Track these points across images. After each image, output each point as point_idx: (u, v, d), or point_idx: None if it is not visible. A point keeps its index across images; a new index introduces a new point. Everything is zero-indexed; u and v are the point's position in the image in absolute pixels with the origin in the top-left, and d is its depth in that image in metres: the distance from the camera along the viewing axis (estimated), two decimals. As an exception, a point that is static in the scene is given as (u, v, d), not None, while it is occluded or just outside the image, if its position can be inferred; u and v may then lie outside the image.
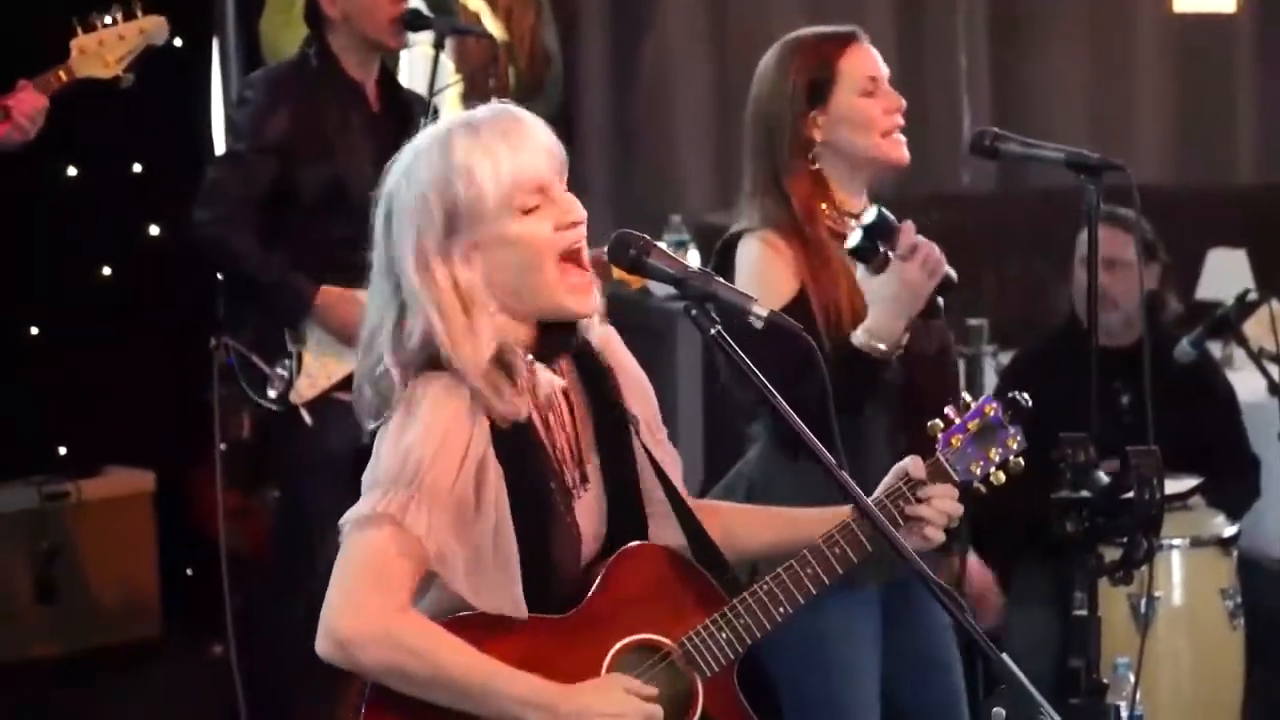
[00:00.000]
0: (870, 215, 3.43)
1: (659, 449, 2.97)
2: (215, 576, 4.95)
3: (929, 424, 3.06)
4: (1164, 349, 5.07)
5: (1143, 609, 4.66)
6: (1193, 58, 8.58)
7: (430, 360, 2.76)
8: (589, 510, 2.88)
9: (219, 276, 4.95)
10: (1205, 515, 5.04)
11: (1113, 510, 3.20)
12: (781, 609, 2.89)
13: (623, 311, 3.03)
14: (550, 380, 2.84)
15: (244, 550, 5.64)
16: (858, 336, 3.45)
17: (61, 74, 4.48)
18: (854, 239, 3.43)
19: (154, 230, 6.62)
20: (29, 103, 4.41)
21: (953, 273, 3.48)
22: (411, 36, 5.07)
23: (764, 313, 2.77)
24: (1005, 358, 5.90)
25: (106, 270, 6.64)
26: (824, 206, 3.64)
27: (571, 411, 2.89)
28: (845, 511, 2.95)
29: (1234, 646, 4.94)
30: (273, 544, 5.12)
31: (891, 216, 3.42)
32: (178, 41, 4.82)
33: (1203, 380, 5.40)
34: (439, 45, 5.07)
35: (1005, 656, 2.58)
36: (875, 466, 3.22)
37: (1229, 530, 5.00)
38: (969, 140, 3.72)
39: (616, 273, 2.95)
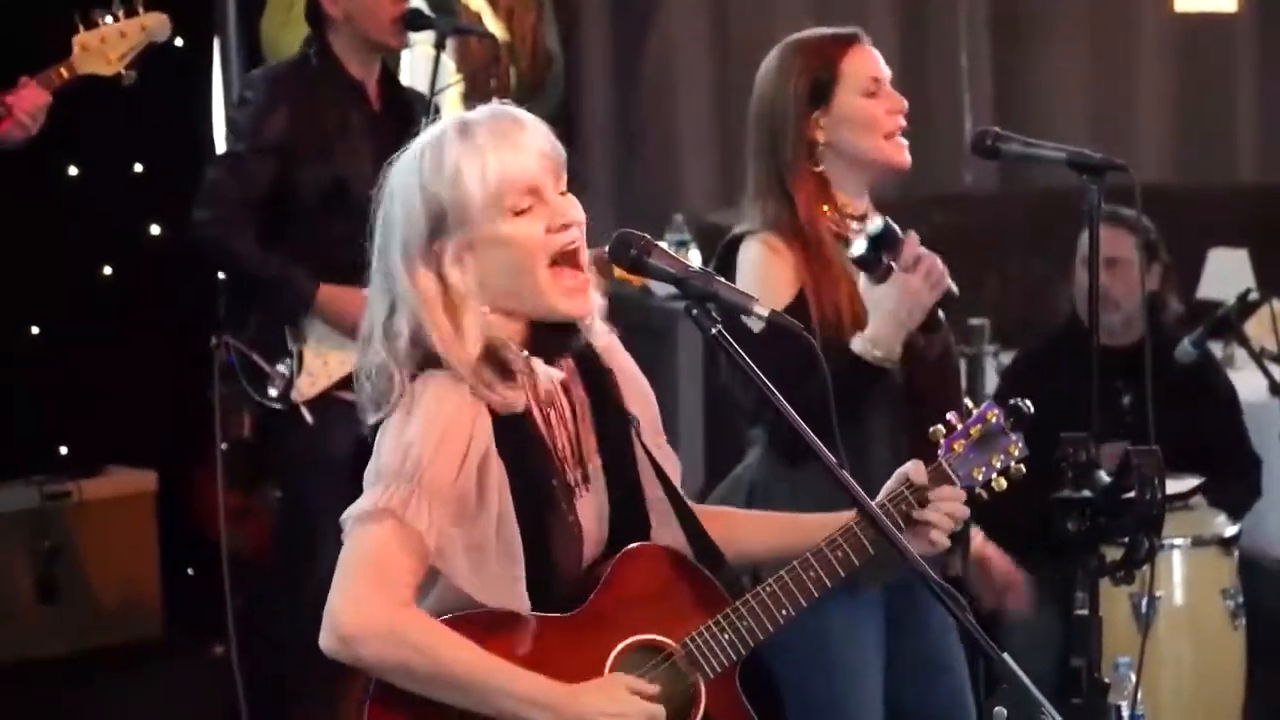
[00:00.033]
0: (876, 225, 3.43)
1: (659, 452, 2.98)
2: (216, 576, 4.95)
3: (931, 429, 3.07)
4: (1165, 349, 5.07)
5: (1144, 609, 4.66)
6: (1194, 57, 8.59)
7: (428, 357, 2.77)
8: (591, 510, 2.88)
9: (220, 276, 4.96)
10: (1206, 515, 5.03)
11: (1114, 510, 3.20)
12: (784, 611, 2.90)
13: (624, 311, 3.03)
14: (549, 374, 2.84)
15: (245, 550, 5.64)
16: (856, 344, 3.45)
17: (63, 71, 4.48)
18: (858, 248, 3.44)
19: (155, 230, 6.62)
20: (30, 99, 4.41)
21: (954, 287, 3.49)
22: (413, 36, 5.07)
23: (765, 312, 2.77)
24: (1006, 357, 5.90)
25: (107, 270, 6.64)
26: (826, 208, 3.64)
27: (573, 411, 2.89)
28: (847, 516, 2.96)
29: (1235, 646, 4.94)
30: (274, 543, 5.12)
31: (896, 227, 3.42)
32: (179, 41, 4.82)
33: (1204, 380, 5.40)
34: (440, 45, 5.07)
35: (1006, 656, 2.58)
36: (876, 469, 3.23)
37: (1230, 530, 5.00)
38: (971, 140, 3.72)
39: (618, 272, 2.95)
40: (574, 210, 2.82)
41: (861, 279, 3.47)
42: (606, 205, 7.32)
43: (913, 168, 3.72)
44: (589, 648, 2.80)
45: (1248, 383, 5.58)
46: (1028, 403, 3.09)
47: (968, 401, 3.12)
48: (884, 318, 3.44)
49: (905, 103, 3.69)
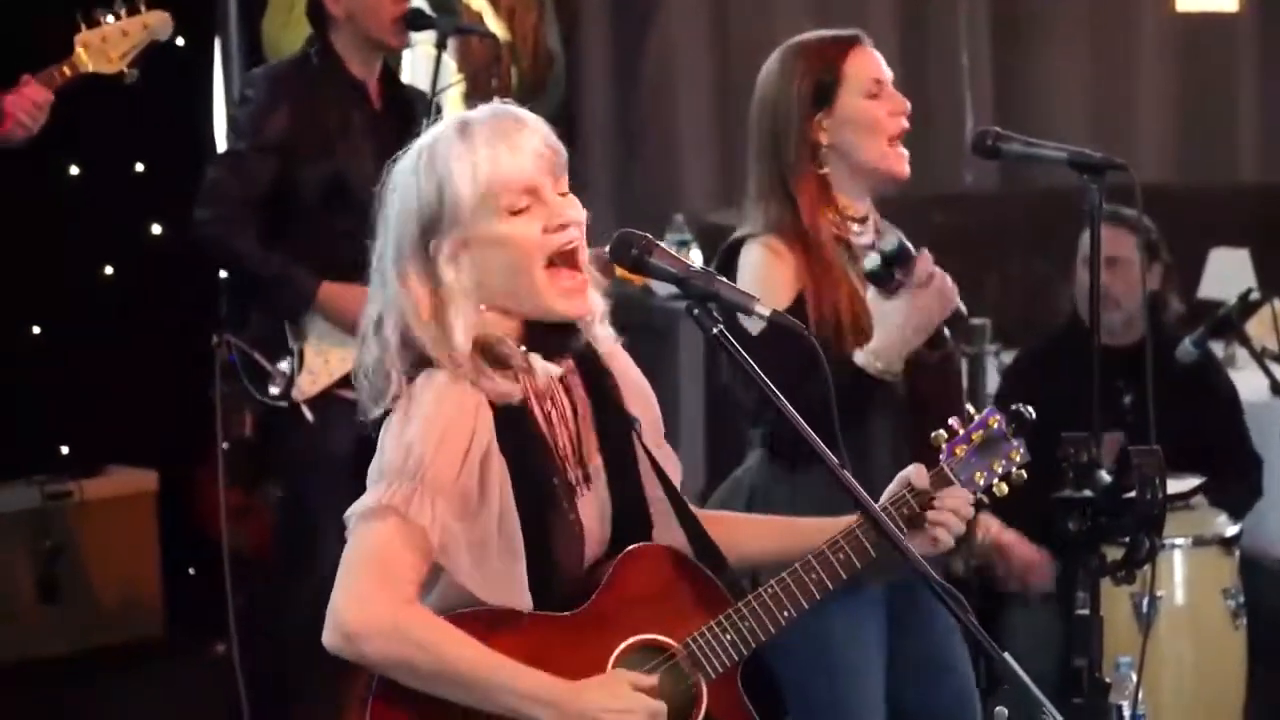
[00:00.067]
0: (891, 243, 3.43)
1: (659, 453, 2.98)
2: (217, 576, 4.95)
3: (933, 434, 3.07)
4: (1166, 348, 5.07)
5: (1145, 608, 4.66)
6: (1195, 57, 8.59)
7: (423, 357, 2.79)
8: (592, 509, 2.88)
9: (221, 275, 4.96)
10: (1207, 515, 5.03)
11: (1115, 509, 3.20)
12: (786, 613, 2.90)
13: (625, 311, 3.03)
14: (548, 370, 2.84)
15: (247, 549, 5.65)
16: (860, 356, 3.46)
17: (65, 69, 4.48)
18: (871, 263, 3.44)
19: (156, 229, 6.62)
20: (29, 98, 4.41)
21: (962, 306, 3.49)
22: (414, 36, 5.07)
23: (766, 312, 2.77)
24: (1007, 357, 5.90)
25: (109, 269, 6.64)
26: (828, 211, 3.64)
27: (574, 411, 2.90)
28: (847, 520, 2.97)
29: (1236, 646, 4.94)
30: (274, 541, 5.12)
31: (910, 245, 3.43)
32: (180, 41, 4.82)
33: (1205, 380, 5.40)
34: (441, 45, 5.07)
35: (1008, 656, 2.58)
36: (878, 472, 3.23)
37: (1231, 530, 4.99)
38: (971, 140, 3.72)
39: (619, 271, 2.95)
40: (572, 210, 2.82)
41: (871, 291, 3.48)
42: (607, 205, 7.32)
43: (913, 167, 3.72)
44: (591, 647, 2.81)
45: (1249, 382, 5.58)
46: (1029, 409, 3.10)
47: (969, 407, 3.13)
48: (890, 332, 3.45)
49: (908, 104, 3.69)
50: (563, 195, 2.83)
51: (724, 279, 2.83)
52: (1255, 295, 5.41)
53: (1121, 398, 5.15)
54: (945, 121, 7.99)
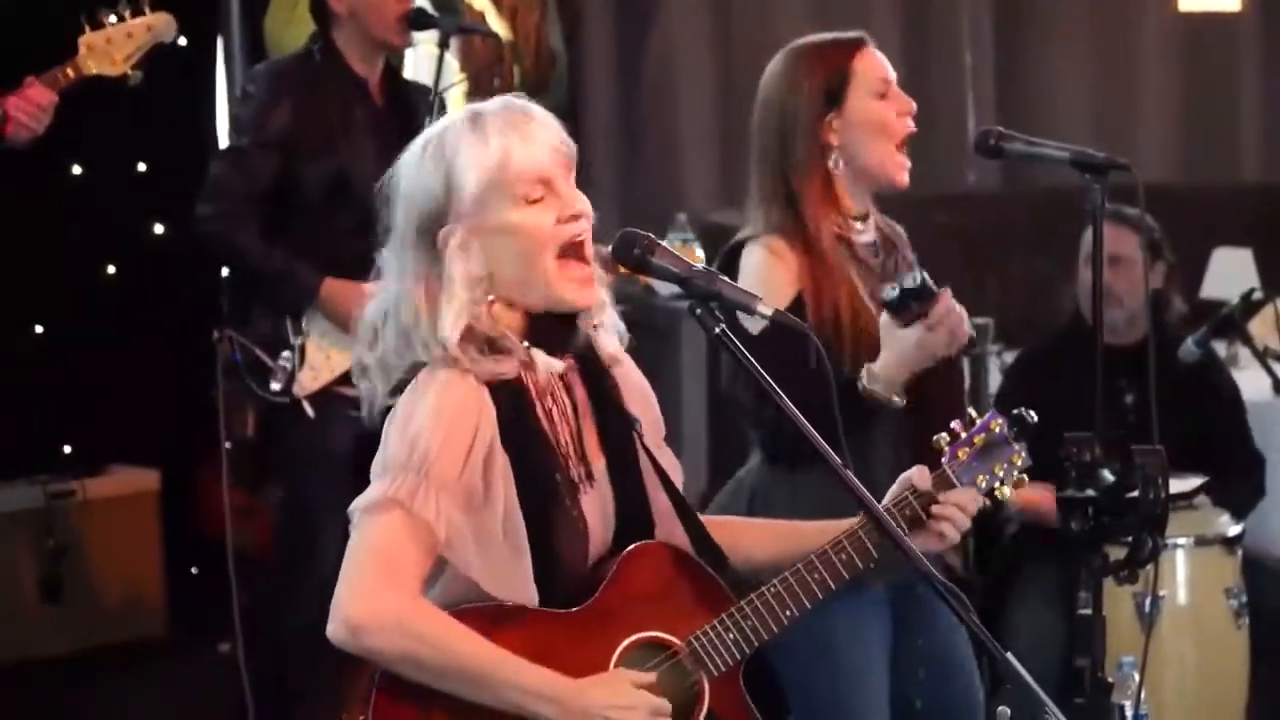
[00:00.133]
0: (913, 280, 3.43)
1: (660, 454, 2.99)
2: (220, 575, 4.95)
3: (935, 438, 3.08)
4: (1169, 348, 5.07)
5: (1147, 608, 4.66)
6: (1197, 57, 8.59)
7: (421, 351, 2.80)
8: (595, 507, 2.89)
9: (223, 273, 4.96)
10: (1210, 514, 5.03)
11: (1118, 509, 3.20)
12: (789, 612, 2.91)
13: (627, 310, 3.04)
14: (549, 365, 2.85)
15: (250, 548, 5.65)
16: (862, 381, 3.46)
17: (69, 71, 4.48)
18: (890, 294, 3.44)
19: (158, 229, 6.63)
20: (33, 100, 4.41)
21: (973, 333, 3.50)
22: (416, 35, 5.08)
23: (768, 311, 2.77)
24: (1009, 357, 5.90)
25: (111, 269, 6.64)
26: (832, 212, 3.64)
27: (574, 409, 2.90)
28: (849, 522, 2.98)
29: (1238, 646, 4.94)
30: (275, 538, 5.12)
31: (932, 284, 3.43)
32: (182, 40, 4.81)
33: (1208, 379, 5.39)
34: (444, 44, 5.07)
35: (1010, 656, 2.58)
36: (880, 473, 3.24)
37: (1233, 529, 4.99)
38: (974, 140, 3.72)
39: (622, 270, 2.96)
40: (583, 203, 2.83)
41: (884, 315, 3.48)
42: (610, 204, 7.32)
43: (915, 167, 3.72)
44: (594, 644, 2.81)
45: (1251, 382, 5.58)
46: (1031, 413, 3.11)
47: (972, 411, 3.14)
48: (897, 355, 3.45)
49: (914, 104, 3.69)
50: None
51: (726, 278, 2.83)
52: (1258, 295, 5.41)
53: (1124, 397, 5.15)
54: (948, 121, 7.99)
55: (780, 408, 2.72)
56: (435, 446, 2.73)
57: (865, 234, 3.69)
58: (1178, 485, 4.54)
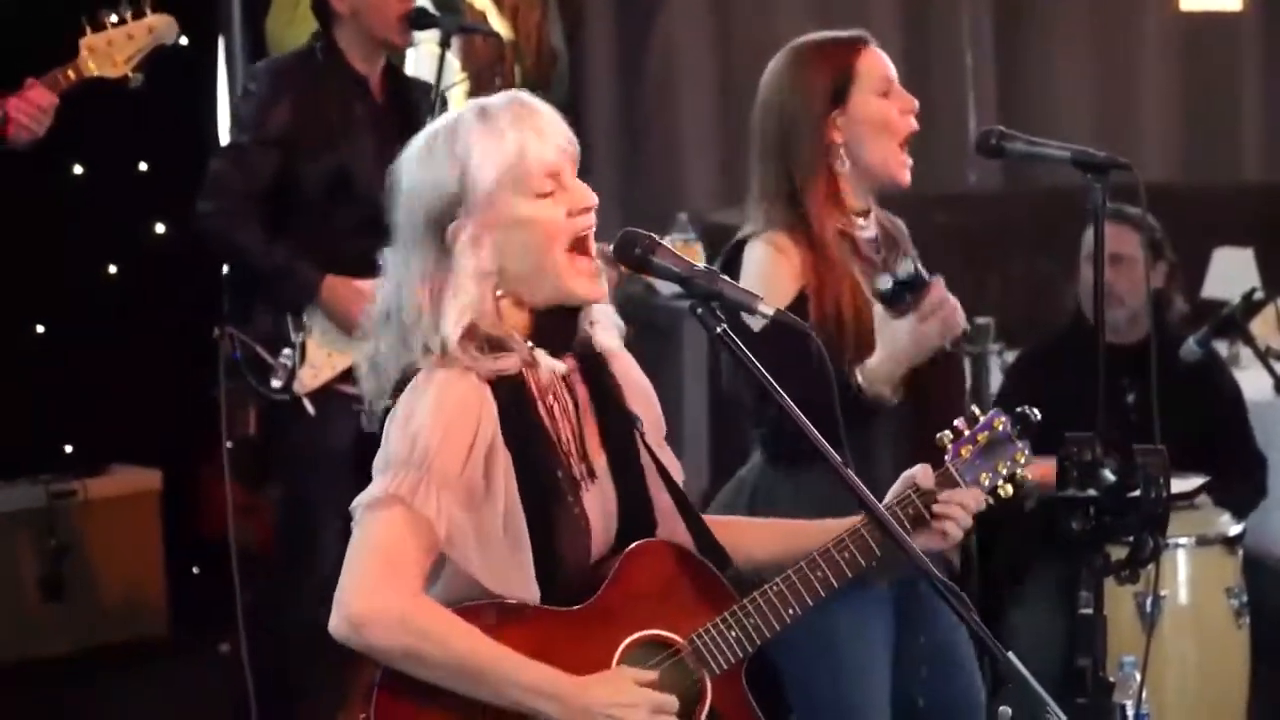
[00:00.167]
0: (906, 271, 3.44)
1: (661, 452, 2.99)
2: (221, 574, 4.95)
3: (938, 435, 3.08)
4: (1170, 348, 5.07)
5: (1148, 608, 4.66)
6: (1198, 56, 8.59)
7: (423, 348, 2.79)
8: (597, 505, 2.89)
9: (224, 271, 4.96)
10: (1210, 514, 5.03)
11: (1119, 509, 3.20)
12: (791, 610, 2.91)
13: (629, 310, 3.04)
14: (552, 365, 2.85)
15: (252, 547, 5.65)
16: (856, 378, 3.46)
17: (70, 73, 4.47)
18: (884, 284, 3.45)
19: (160, 229, 6.63)
20: (33, 101, 4.40)
21: (966, 325, 3.51)
22: (418, 35, 5.08)
23: (770, 311, 2.78)
24: (1011, 356, 5.90)
25: (112, 269, 6.64)
26: (836, 209, 3.64)
27: (576, 407, 2.90)
28: (851, 521, 2.98)
29: (1239, 645, 4.94)
30: (275, 536, 5.13)
31: (925, 273, 3.43)
32: (184, 40, 4.81)
33: (1209, 379, 5.40)
34: (445, 44, 5.07)
35: (1011, 655, 2.58)
36: (880, 469, 3.24)
37: (1234, 529, 4.99)
38: (975, 139, 3.72)
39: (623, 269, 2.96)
40: (592, 196, 2.85)
41: (878, 308, 3.48)
42: (611, 203, 7.30)
43: (916, 167, 3.72)
44: (596, 642, 2.81)
45: (1253, 382, 5.58)
46: (1035, 411, 3.11)
47: (975, 409, 3.14)
48: (892, 349, 3.45)
49: (916, 102, 3.70)
50: None
51: (727, 278, 2.84)
52: (1259, 294, 5.41)
53: (1125, 397, 5.15)
54: (949, 121, 7.99)
55: (782, 407, 2.72)
56: (436, 443, 2.73)
57: (867, 230, 3.69)
58: (1179, 485, 4.54)
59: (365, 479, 2.79)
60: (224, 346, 4.82)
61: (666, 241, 2.90)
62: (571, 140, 2.86)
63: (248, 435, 5.04)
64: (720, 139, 7.77)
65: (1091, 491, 3.21)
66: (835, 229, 3.62)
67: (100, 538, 6.41)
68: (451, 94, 5.51)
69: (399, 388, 2.81)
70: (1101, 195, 3.45)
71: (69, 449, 6.56)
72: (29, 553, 6.30)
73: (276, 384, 4.80)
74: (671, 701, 2.79)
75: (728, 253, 3.67)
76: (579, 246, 2.82)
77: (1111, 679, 3.26)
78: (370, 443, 2.83)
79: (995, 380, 5.77)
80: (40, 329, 6.53)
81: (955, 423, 3.09)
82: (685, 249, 6.37)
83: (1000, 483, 3.09)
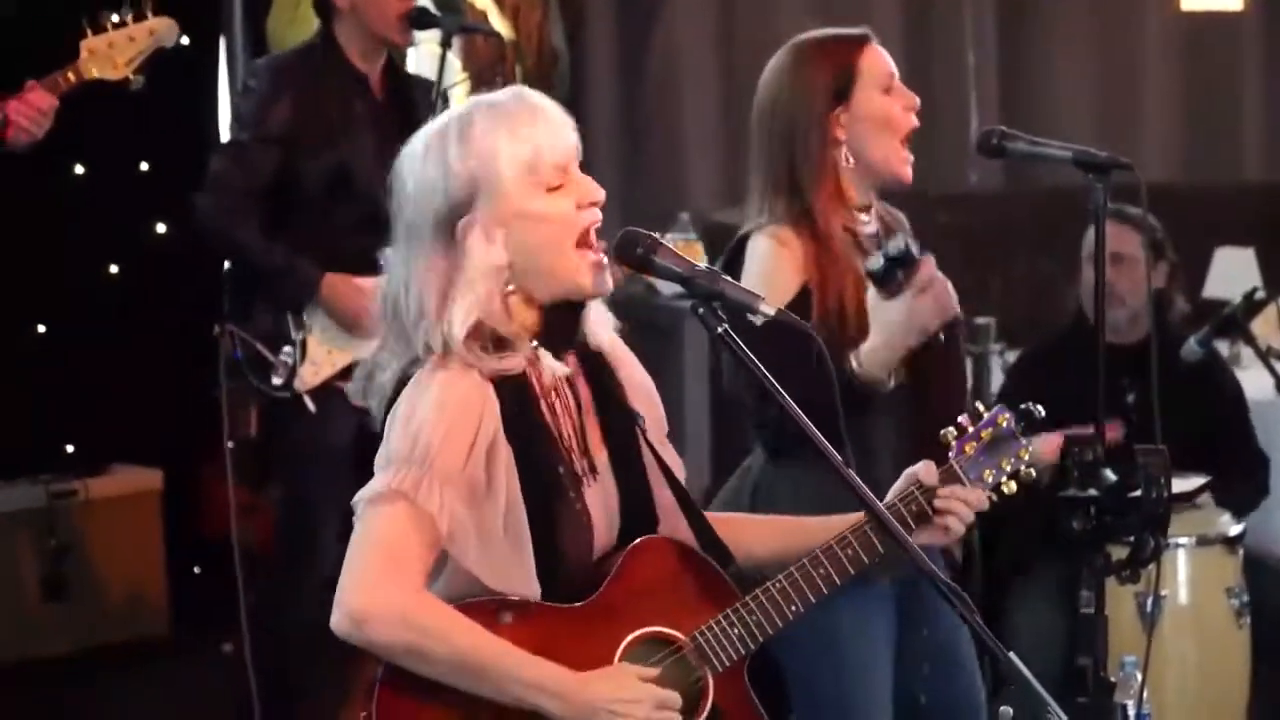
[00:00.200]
0: (896, 246, 3.43)
1: (663, 449, 2.99)
2: (223, 574, 4.95)
3: (942, 432, 3.08)
4: (1171, 347, 5.07)
5: (1149, 608, 4.66)
6: (1200, 56, 8.59)
7: (425, 346, 2.79)
8: (599, 501, 2.89)
9: (224, 269, 4.96)
10: (1211, 514, 5.03)
11: (1120, 509, 3.20)
12: (793, 607, 2.91)
13: (629, 310, 3.04)
14: (554, 367, 2.85)
15: (254, 547, 5.66)
16: (851, 363, 3.45)
17: (70, 75, 4.47)
18: (874, 263, 3.44)
19: (161, 229, 6.63)
20: (33, 104, 4.40)
21: (960, 312, 3.50)
22: (419, 34, 5.08)
23: (771, 311, 2.77)
24: (1012, 356, 5.90)
25: (113, 269, 6.64)
26: (840, 205, 3.64)
27: (578, 404, 2.90)
28: (853, 518, 2.97)
29: (1240, 645, 4.94)
30: (275, 535, 5.13)
31: (915, 250, 3.43)
32: (185, 40, 4.81)
33: (1210, 379, 5.40)
34: (446, 43, 5.07)
35: (1013, 655, 2.59)
36: (881, 463, 3.23)
37: (1235, 529, 4.99)
38: (976, 139, 3.72)
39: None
40: (599, 190, 2.85)
41: (871, 291, 3.48)
42: (612, 203, 7.25)
43: (918, 167, 3.72)
44: (598, 639, 2.81)
45: (1254, 381, 5.58)
46: (1039, 408, 3.10)
47: (979, 405, 3.13)
48: (886, 333, 3.44)
49: (917, 99, 3.70)
50: None
51: (729, 278, 2.84)
52: (1260, 294, 5.41)
53: (1126, 396, 5.15)
54: (950, 121, 7.99)
55: (783, 407, 2.72)
56: (438, 439, 2.73)
57: (869, 225, 3.69)
58: (1180, 485, 4.54)
59: (365, 477, 2.79)
60: (224, 344, 4.82)
61: (668, 241, 2.90)
62: (575, 133, 2.86)
63: (249, 436, 5.04)
64: (722, 139, 7.77)
65: (1093, 491, 3.21)
66: (840, 224, 3.62)
67: (101, 537, 6.41)
68: (452, 94, 5.51)
69: (400, 385, 2.81)
70: (1103, 195, 3.45)
71: (70, 449, 6.56)
72: (30, 553, 6.30)
73: (277, 381, 4.80)
74: (674, 698, 2.79)
75: (731, 249, 3.67)
76: (584, 240, 2.82)
77: (1112, 679, 3.26)
78: (370, 441, 2.83)
79: (996, 380, 5.77)
80: (41, 329, 6.53)
81: (959, 419, 3.09)
82: (686, 248, 6.37)
83: (1004, 479, 3.08)
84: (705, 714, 2.86)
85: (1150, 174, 3.69)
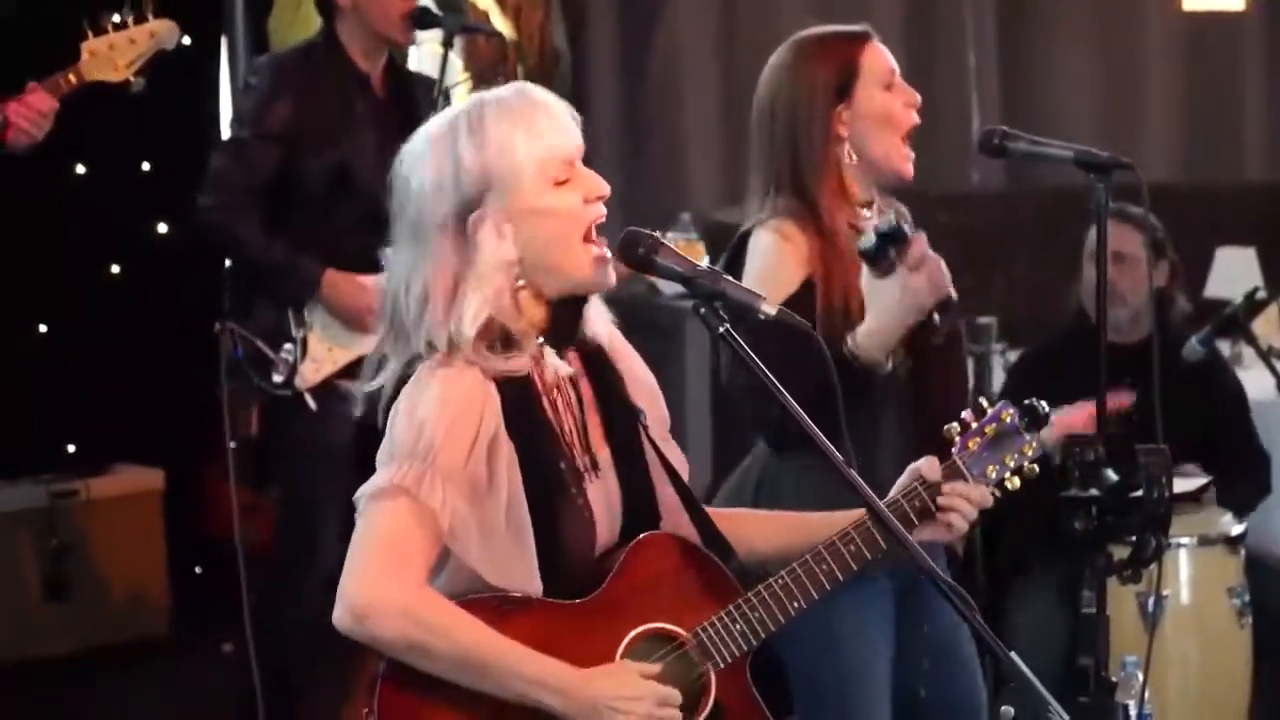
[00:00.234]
0: (887, 222, 3.43)
1: (665, 446, 2.99)
2: (224, 574, 4.95)
3: (945, 428, 3.07)
4: (1173, 347, 5.07)
5: (1151, 607, 4.65)
6: (1201, 56, 8.59)
7: (429, 343, 2.79)
8: (601, 497, 2.89)
9: (225, 267, 4.96)
10: (1213, 514, 5.03)
11: (1121, 508, 3.20)
12: (796, 603, 2.91)
13: (631, 310, 3.04)
14: (557, 366, 2.85)
15: (254, 546, 5.66)
16: (849, 344, 3.45)
17: (71, 77, 4.46)
18: (866, 241, 3.44)
19: (162, 228, 6.63)
20: (34, 106, 4.40)
21: (953, 292, 3.49)
22: (420, 34, 5.08)
23: (772, 311, 2.77)
24: (1014, 356, 5.90)
25: (115, 268, 6.64)
26: (844, 201, 3.64)
27: (580, 401, 2.90)
28: (855, 514, 2.97)
29: (1241, 645, 4.94)
30: (276, 533, 5.13)
31: (907, 226, 3.42)
32: (186, 40, 4.81)
33: (1211, 378, 5.39)
34: (448, 43, 5.07)
35: (1014, 655, 2.58)
36: (883, 461, 3.23)
37: (1236, 529, 4.99)
38: (978, 139, 3.72)
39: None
40: (605, 184, 2.86)
41: (864, 271, 3.47)
42: (614, 203, 7.26)
43: (919, 166, 3.72)
44: (601, 635, 2.81)
45: (1255, 381, 5.58)
46: (1043, 404, 3.10)
47: (983, 400, 3.13)
48: (880, 313, 3.43)
49: (918, 96, 3.70)
50: None
51: (730, 278, 2.84)
52: (1261, 294, 5.40)
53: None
54: (952, 121, 7.99)
55: (785, 407, 2.72)
56: (440, 435, 2.73)
57: (871, 221, 3.68)
58: (1182, 484, 4.54)
59: (366, 474, 2.79)
60: (225, 342, 4.82)
61: (669, 241, 2.90)
62: (579, 129, 2.86)
63: (250, 435, 5.04)
64: (723, 139, 7.77)
65: (1094, 491, 3.21)
66: (844, 220, 3.61)
67: (102, 537, 6.41)
68: (454, 93, 5.51)
69: (400, 382, 2.81)
70: (1104, 195, 3.45)
71: (71, 448, 6.56)
72: (31, 552, 6.30)
73: (278, 379, 4.80)
74: (675, 694, 2.79)
75: (733, 245, 3.67)
76: (590, 235, 2.83)
77: (1114, 679, 3.26)
78: (371, 438, 2.82)
79: (998, 380, 5.77)
80: (43, 328, 6.53)
81: (963, 415, 3.08)
82: (688, 248, 6.38)
83: (1007, 475, 3.08)
84: (707, 710, 2.86)
85: (1151, 174, 3.69)
